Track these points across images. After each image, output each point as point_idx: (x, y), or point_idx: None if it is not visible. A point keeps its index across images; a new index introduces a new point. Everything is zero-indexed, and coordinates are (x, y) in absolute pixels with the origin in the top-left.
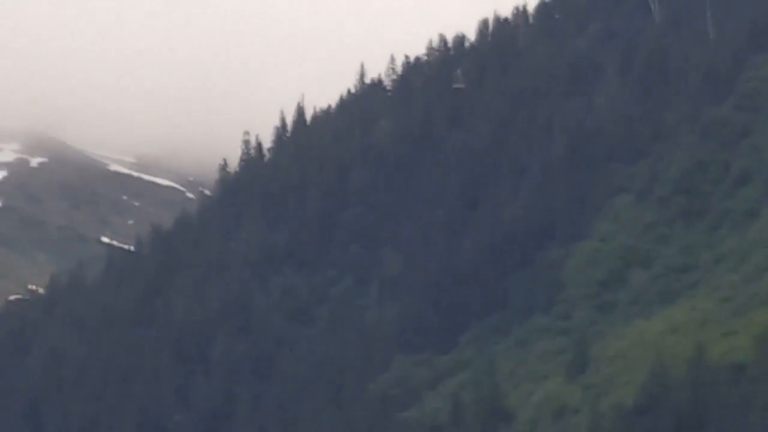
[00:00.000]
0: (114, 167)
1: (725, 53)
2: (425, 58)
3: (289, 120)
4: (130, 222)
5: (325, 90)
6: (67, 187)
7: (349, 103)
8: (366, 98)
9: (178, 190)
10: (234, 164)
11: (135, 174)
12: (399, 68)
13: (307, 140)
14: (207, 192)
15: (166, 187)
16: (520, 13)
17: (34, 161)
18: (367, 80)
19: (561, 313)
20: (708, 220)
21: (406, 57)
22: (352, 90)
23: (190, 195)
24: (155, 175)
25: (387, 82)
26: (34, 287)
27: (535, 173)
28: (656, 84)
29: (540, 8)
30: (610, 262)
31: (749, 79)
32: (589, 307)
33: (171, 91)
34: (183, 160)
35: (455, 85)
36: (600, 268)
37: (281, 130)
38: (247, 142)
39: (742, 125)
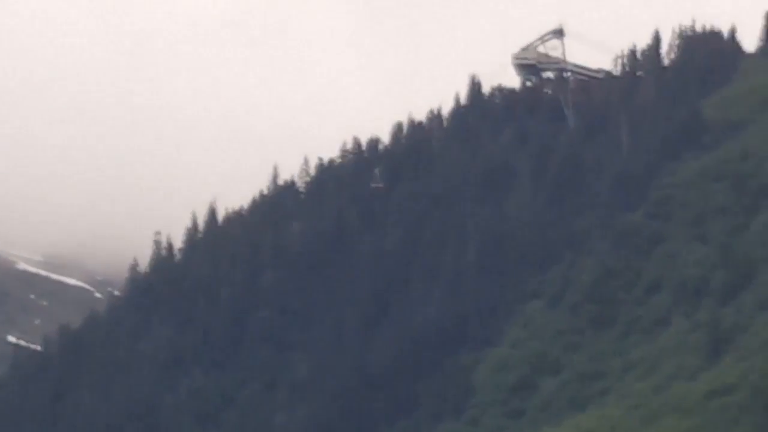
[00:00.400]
0: (22, 266)
1: (638, 161)
2: (339, 160)
3: (201, 221)
4: (37, 322)
5: (237, 191)
6: None
7: (261, 205)
8: (279, 200)
9: (87, 289)
10: (145, 264)
11: (43, 273)
12: (312, 170)
13: (218, 241)
14: (116, 292)
15: (75, 286)
16: (435, 117)
17: None
18: (280, 182)
19: (471, 418)
20: (618, 327)
21: (320, 159)
22: (265, 191)
23: (98, 295)
24: (64, 275)
25: (300, 184)
26: None
27: (448, 277)
28: (569, 190)
29: (454, 112)
30: (521, 369)
31: (661, 186)
32: (498, 414)
33: (81, 190)
34: (92, 259)
35: (373, 185)
36: (510, 374)
37: (193, 231)
38: (158, 242)
39: (654, 233)
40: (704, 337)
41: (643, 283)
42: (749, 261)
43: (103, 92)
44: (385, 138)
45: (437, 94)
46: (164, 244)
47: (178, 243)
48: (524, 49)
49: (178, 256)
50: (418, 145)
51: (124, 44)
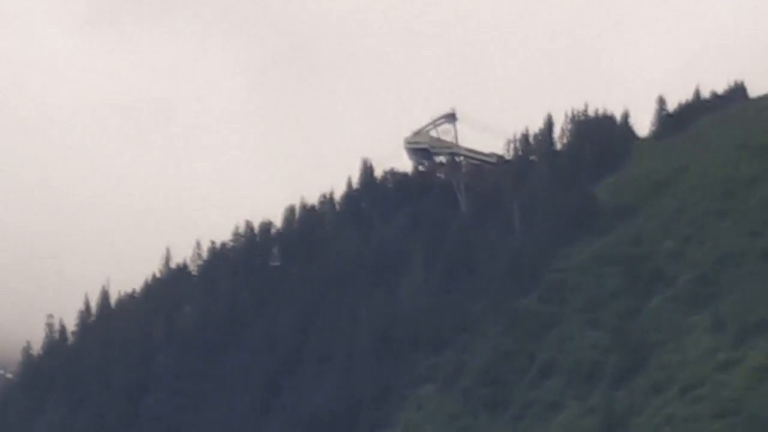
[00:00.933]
0: None
1: (531, 245)
2: (231, 243)
3: (94, 303)
4: None
5: (130, 274)
6: None
7: (154, 288)
8: (171, 283)
9: None
10: (37, 347)
11: None
12: (205, 253)
13: (111, 324)
14: (6, 374)
15: None
16: (327, 201)
17: None
18: (173, 265)
19: None
20: (512, 411)
21: (212, 242)
22: (158, 275)
23: None
24: None
25: (192, 268)
26: None
27: (340, 361)
28: (462, 274)
29: (347, 196)
30: None
31: (555, 271)
32: None
33: None
34: None
35: (271, 263)
36: None
37: (85, 314)
38: (50, 325)
39: (548, 316)
40: (598, 420)
41: (536, 367)
42: (642, 345)
43: None
44: (278, 221)
45: (329, 177)
46: (57, 326)
47: (71, 326)
48: (416, 133)
49: (70, 338)
50: (310, 228)
51: (11, 123)
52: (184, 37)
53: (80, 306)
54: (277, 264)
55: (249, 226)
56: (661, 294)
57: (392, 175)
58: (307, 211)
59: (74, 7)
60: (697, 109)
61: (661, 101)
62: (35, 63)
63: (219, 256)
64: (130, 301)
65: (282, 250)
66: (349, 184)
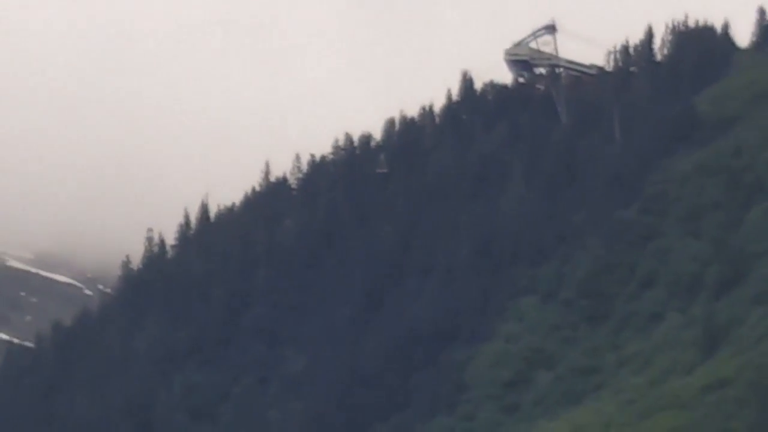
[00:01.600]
0: (12, 263)
1: (632, 157)
2: (331, 156)
3: (193, 217)
4: (28, 318)
5: (229, 188)
6: None
7: (253, 202)
8: (271, 197)
9: (77, 286)
10: (137, 261)
11: (33, 270)
12: (304, 167)
13: (211, 238)
14: (106, 289)
15: (65, 283)
16: (427, 113)
17: None
18: (272, 178)
19: (465, 414)
20: (612, 322)
21: (312, 156)
22: (257, 188)
23: (88, 292)
24: (54, 272)
25: (292, 181)
26: None
27: (441, 274)
28: (562, 186)
29: (446, 109)
30: (515, 364)
31: (655, 182)
32: (493, 409)
33: (71, 186)
34: (82, 256)
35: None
36: (504, 370)
37: (185, 228)
38: (150, 239)
39: (648, 228)
40: (699, 332)
41: (637, 279)
42: (743, 256)
43: (92, 90)
44: (377, 134)
45: (429, 90)
46: (156, 240)
47: (170, 240)
48: (516, 45)
49: (170, 252)
50: (410, 141)
51: (111, 43)
52: None
53: (180, 220)
54: (385, 171)
55: (348, 138)
56: (762, 205)
57: (492, 87)
58: (407, 123)
59: None
60: None
61: (762, 12)
62: None
63: (318, 169)
64: (229, 214)
65: (381, 162)
66: (449, 97)
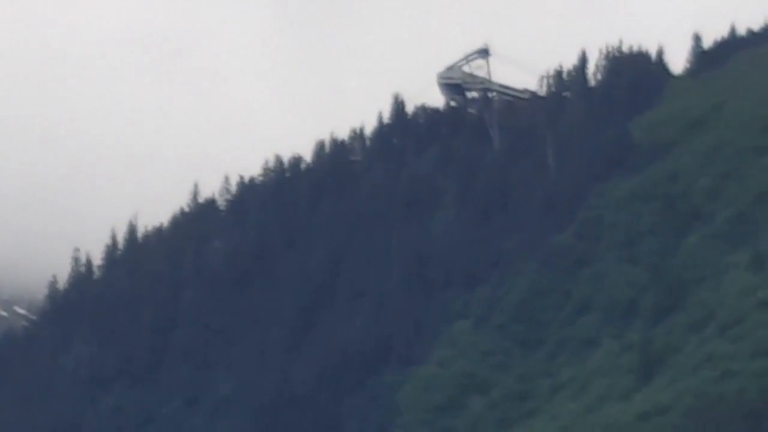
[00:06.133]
0: None
1: (566, 182)
2: (261, 178)
3: (121, 238)
4: None
5: (157, 208)
6: None
7: (182, 222)
8: (200, 218)
9: None
10: (63, 282)
11: None
12: (234, 188)
13: (138, 258)
14: (20, 311)
15: None
16: (357, 136)
17: None
18: (201, 200)
19: None
20: (547, 348)
21: (241, 177)
22: (186, 209)
23: (3, 313)
24: None
25: (221, 202)
26: None
27: (373, 296)
28: (495, 211)
29: (377, 131)
30: (448, 389)
31: (590, 207)
32: None
33: None
34: (3, 276)
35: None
36: (437, 394)
37: (112, 248)
38: (76, 259)
39: (583, 254)
40: (635, 358)
41: (571, 304)
42: (680, 282)
43: (14, 108)
44: (308, 156)
45: (360, 112)
46: (83, 260)
47: (97, 260)
48: (449, 69)
49: (97, 273)
50: (340, 163)
51: (32, 62)
52: None
53: (107, 240)
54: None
55: (278, 160)
56: (699, 231)
57: (424, 110)
58: (337, 145)
59: None
60: (733, 46)
61: (697, 38)
62: None
63: (248, 190)
64: (157, 235)
65: (311, 184)
66: (380, 119)
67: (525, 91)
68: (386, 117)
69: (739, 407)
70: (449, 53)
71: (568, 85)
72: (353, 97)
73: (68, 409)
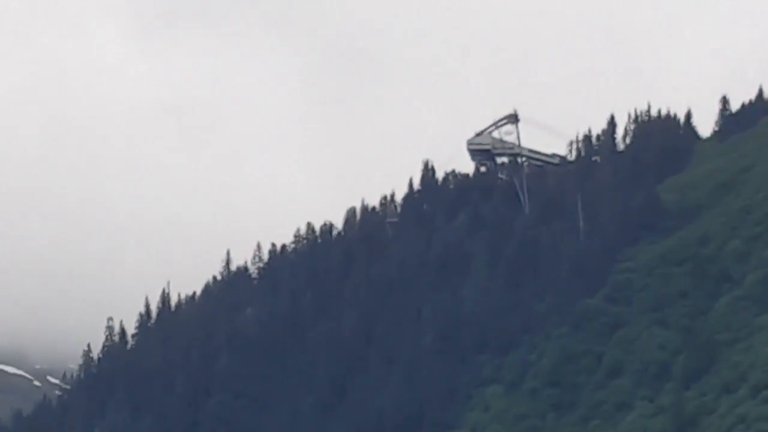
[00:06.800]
0: None
1: (596, 245)
2: (292, 245)
3: (154, 306)
4: None
5: (190, 277)
6: None
7: (214, 290)
8: (232, 285)
9: (26, 378)
10: (97, 351)
11: None
12: (265, 256)
13: (172, 327)
14: (54, 380)
15: (13, 374)
16: (388, 203)
17: None
18: (233, 267)
19: None
20: (580, 411)
21: (273, 245)
22: (218, 277)
23: (37, 383)
24: (2, 363)
25: (253, 270)
26: None
27: (405, 363)
28: (526, 275)
29: (407, 198)
30: None
31: (620, 271)
32: None
33: (29, 277)
34: (34, 349)
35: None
36: None
37: (145, 317)
38: (110, 328)
39: (614, 317)
40: (668, 420)
41: (603, 367)
42: (711, 344)
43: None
44: (339, 223)
45: (390, 179)
46: (117, 329)
47: (131, 329)
48: (478, 135)
49: (130, 342)
50: (371, 230)
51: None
52: (238, 39)
53: (140, 309)
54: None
55: (310, 227)
56: (729, 293)
57: (454, 176)
58: (368, 212)
59: (128, 10)
60: (760, 108)
61: (725, 101)
62: (88, 66)
63: (280, 258)
64: (190, 303)
65: (343, 251)
66: (410, 186)
67: (554, 155)
68: (416, 183)
69: None
70: (479, 119)
71: (597, 149)
72: (383, 165)
73: None
